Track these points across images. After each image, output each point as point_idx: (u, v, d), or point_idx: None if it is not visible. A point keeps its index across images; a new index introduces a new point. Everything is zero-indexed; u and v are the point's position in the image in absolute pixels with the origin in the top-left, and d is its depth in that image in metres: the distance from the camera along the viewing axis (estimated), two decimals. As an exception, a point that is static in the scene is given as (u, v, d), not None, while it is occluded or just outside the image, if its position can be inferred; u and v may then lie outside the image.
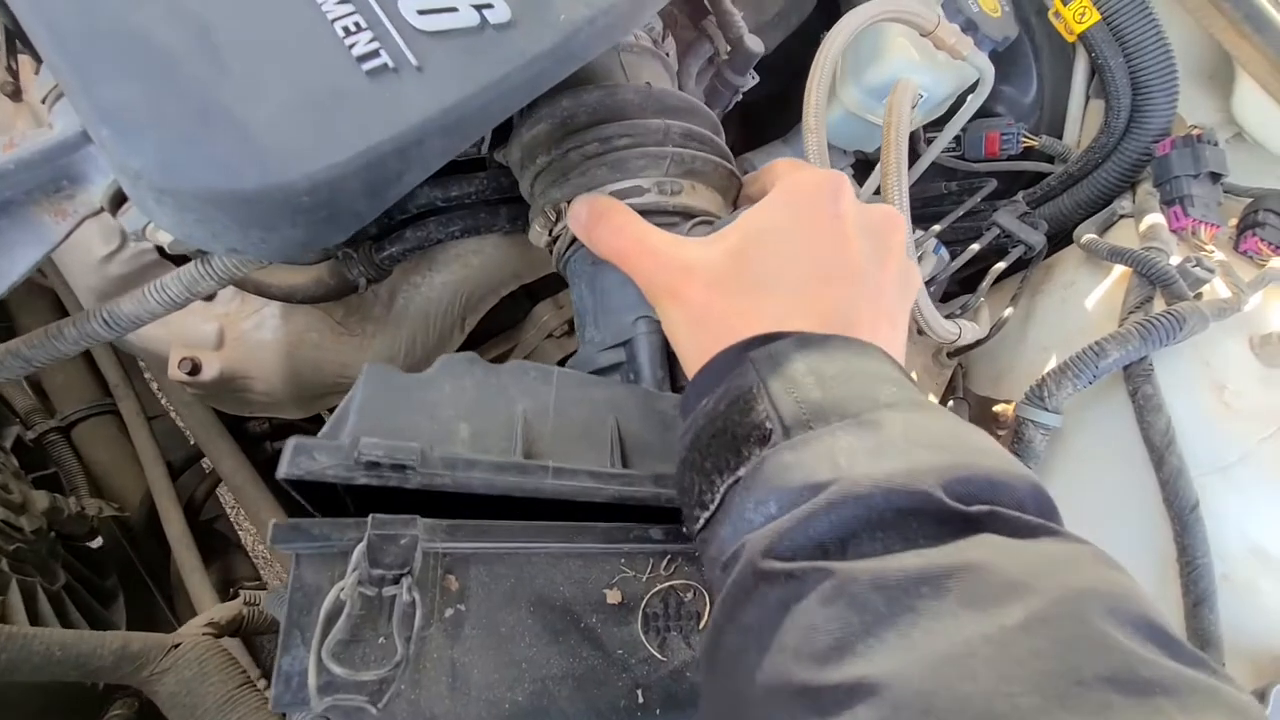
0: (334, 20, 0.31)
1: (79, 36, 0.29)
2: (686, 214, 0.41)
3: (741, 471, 0.24)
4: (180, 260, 0.60)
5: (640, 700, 0.27)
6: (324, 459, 0.24)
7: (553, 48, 0.34)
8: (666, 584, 0.29)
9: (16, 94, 0.58)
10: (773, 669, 0.20)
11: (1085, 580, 0.19)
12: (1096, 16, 0.55)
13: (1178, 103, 0.56)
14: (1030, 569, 0.19)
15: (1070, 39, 0.58)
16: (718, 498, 0.25)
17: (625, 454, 0.30)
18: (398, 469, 0.25)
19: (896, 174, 0.41)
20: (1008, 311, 0.57)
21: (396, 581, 0.25)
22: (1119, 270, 0.53)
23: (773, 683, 0.20)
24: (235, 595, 0.61)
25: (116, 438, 0.87)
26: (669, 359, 0.36)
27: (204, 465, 0.97)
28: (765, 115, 0.75)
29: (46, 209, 0.34)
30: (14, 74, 0.47)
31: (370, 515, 0.25)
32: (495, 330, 0.71)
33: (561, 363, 0.71)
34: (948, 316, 0.55)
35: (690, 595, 0.29)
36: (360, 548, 0.24)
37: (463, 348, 0.68)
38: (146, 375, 0.96)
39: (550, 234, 0.43)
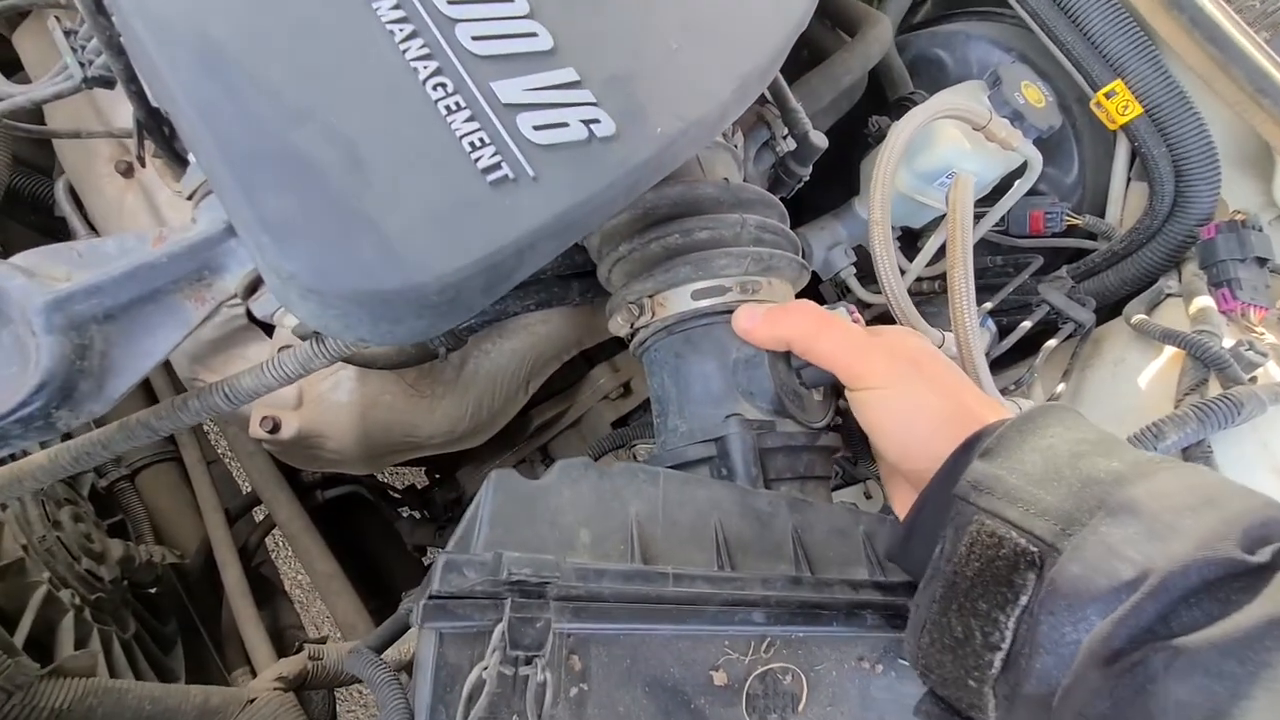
0: (462, 136, 0.34)
1: (244, 151, 0.32)
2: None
3: (1024, 600, 0.25)
4: (266, 325, 0.64)
5: (746, 783, 0.28)
6: (473, 575, 0.26)
7: (650, 158, 0.37)
8: (766, 666, 0.31)
9: (129, 172, 0.63)
10: None
11: None
12: (1139, 110, 0.58)
13: (1220, 190, 0.59)
14: None
15: (1112, 128, 0.61)
16: (1008, 634, 0.25)
17: (729, 554, 0.32)
18: (539, 583, 0.27)
19: (963, 269, 0.43)
20: (1060, 387, 0.58)
21: (530, 662, 0.26)
22: (1169, 351, 0.54)
23: None
24: (299, 648, 0.62)
25: (177, 485, 0.90)
26: (759, 458, 0.38)
27: (254, 515, 1.00)
28: (808, 187, 0.79)
29: (188, 295, 0.38)
30: (141, 159, 0.52)
31: (509, 599, 0.27)
32: (553, 391, 0.73)
33: (616, 424, 0.73)
34: (1003, 391, 0.56)
35: (788, 678, 0.31)
36: (500, 628, 0.26)
37: (521, 408, 0.70)
38: (208, 420, 1.00)
39: (632, 326, 0.45)
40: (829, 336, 0.37)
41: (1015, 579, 0.25)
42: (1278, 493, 0.49)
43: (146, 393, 0.87)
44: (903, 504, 0.37)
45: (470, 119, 0.35)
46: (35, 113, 0.70)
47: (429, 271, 0.32)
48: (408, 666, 0.52)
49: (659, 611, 0.30)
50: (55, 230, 0.92)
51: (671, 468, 0.40)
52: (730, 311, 0.41)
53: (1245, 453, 0.48)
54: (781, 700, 0.31)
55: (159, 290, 0.37)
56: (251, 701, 0.52)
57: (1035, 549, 0.25)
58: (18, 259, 0.37)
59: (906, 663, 0.32)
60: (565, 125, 0.36)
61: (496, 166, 0.34)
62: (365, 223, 0.32)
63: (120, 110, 0.63)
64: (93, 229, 0.73)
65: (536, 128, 0.36)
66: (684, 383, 0.42)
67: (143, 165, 0.54)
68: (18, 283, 0.35)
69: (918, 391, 0.33)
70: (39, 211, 0.89)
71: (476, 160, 0.34)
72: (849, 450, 0.42)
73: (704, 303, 0.42)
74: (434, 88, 0.35)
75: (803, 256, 0.65)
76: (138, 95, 0.45)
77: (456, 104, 0.35)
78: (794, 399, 0.40)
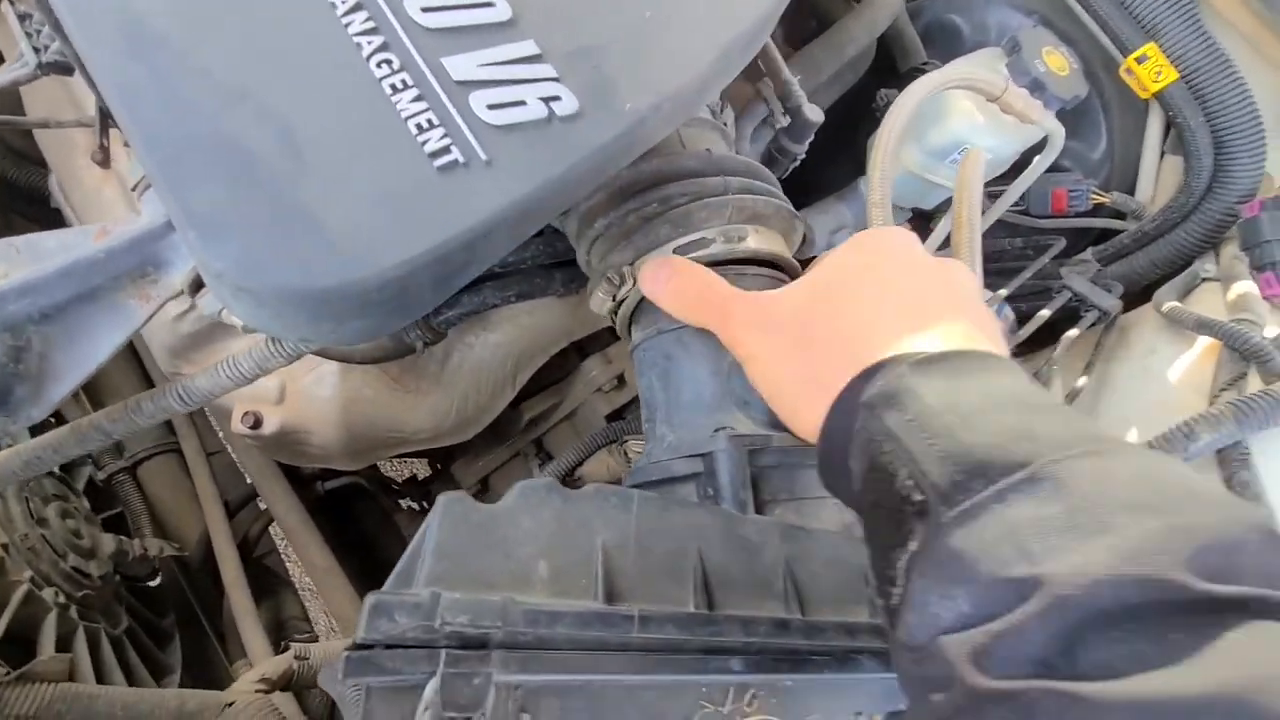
0: (408, 118, 0.32)
1: (171, 141, 0.30)
2: (754, 259, 0.40)
3: (913, 547, 0.21)
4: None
5: None
6: (404, 620, 0.24)
7: (619, 136, 0.34)
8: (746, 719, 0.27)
9: (105, 161, 0.61)
10: None
11: None
12: (1174, 75, 0.52)
13: (1265, 164, 0.53)
14: None
15: (1144, 96, 0.56)
16: (900, 575, 0.22)
17: (710, 590, 0.29)
18: (479, 634, 0.24)
19: (969, 254, 0.39)
20: (1081, 381, 0.54)
21: None
22: (1203, 341, 0.50)
23: None
24: (285, 647, 0.62)
25: (178, 476, 0.90)
26: (750, 478, 0.35)
27: (258, 504, 1.00)
28: (814, 167, 0.74)
29: (131, 293, 0.36)
30: (105, 150, 0.50)
31: (444, 650, 0.24)
32: (545, 384, 0.71)
33: (610, 417, 0.71)
34: (1017, 386, 0.52)
35: None
36: (433, 685, 0.24)
37: (513, 401, 0.68)
38: (207, 411, 1.00)
39: (614, 299, 0.42)
40: (711, 308, 0.33)
41: (903, 524, 0.22)
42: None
43: (142, 376, 0.86)
44: None
45: (418, 98, 0.32)
46: (16, 102, 0.69)
47: (370, 266, 0.30)
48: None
49: (623, 658, 0.27)
50: (54, 221, 0.91)
51: (656, 482, 0.37)
52: (716, 264, 0.38)
53: (1286, 455, 0.44)
54: (764, 758, 0.28)
55: (100, 288, 0.35)
56: (230, 705, 0.51)
57: (923, 496, 0.21)
58: (-44, 256, 0.35)
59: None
60: (523, 104, 0.33)
61: (446, 150, 0.31)
62: (300, 214, 0.30)
63: (93, 99, 0.61)
64: (86, 221, 0.72)
65: (491, 107, 0.33)
66: (674, 387, 0.39)
67: (105, 154, 0.53)
68: (-53, 282, 0.33)
69: (765, 363, 0.31)
70: (35, 203, 0.88)
71: (424, 143, 0.31)
72: None
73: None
74: (379, 65, 0.32)
75: (803, 241, 0.61)
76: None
77: (403, 82, 0.32)
78: None
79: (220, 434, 1.03)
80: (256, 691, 0.54)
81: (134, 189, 0.38)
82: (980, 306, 0.30)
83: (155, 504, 0.88)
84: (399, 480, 1.01)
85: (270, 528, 0.99)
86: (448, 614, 0.25)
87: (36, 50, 0.46)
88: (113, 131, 0.62)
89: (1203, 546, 0.17)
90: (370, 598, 0.25)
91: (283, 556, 1.09)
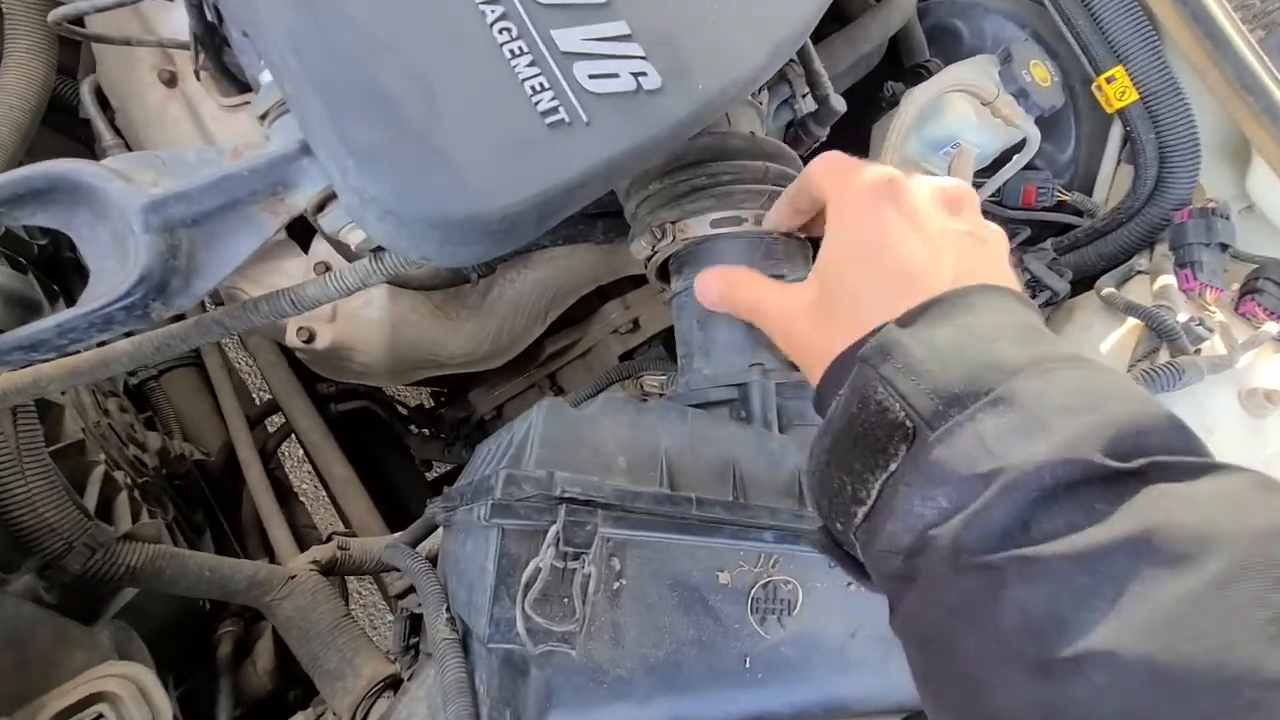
0: (524, 80, 0.38)
1: (331, 80, 0.36)
2: (774, 238, 0.48)
3: (894, 468, 0.25)
4: (300, 238, 0.68)
5: (747, 665, 0.36)
6: (529, 489, 0.32)
7: (691, 112, 0.41)
8: (770, 577, 0.37)
9: (172, 81, 0.65)
10: (997, 648, 0.22)
11: (1263, 518, 0.20)
12: (1135, 96, 0.62)
13: (1198, 178, 0.64)
14: (1209, 517, 0.20)
15: (1109, 111, 0.65)
16: (874, 494, 0.26)
17: (744, 487, 0.37)
18: (586, 500, 0.33)
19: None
20: (1031, 349, 0.65)
21: (578, 558, 0.32)
22: (1130, 322, 0.60)
23: (999, 660, 0.22)
24: (329, 539, 0.69)
25: (198, 389, 0.94)
26: (776, 406, 0.43)
27: (266, 426, 1.05)
28: (823, 146, 0.82)
29: (264, 208, 0.42)
30: (197, 73, 0.54)
31: (564, 504, 0.33)
32: (567, 322, 0.78)
33: (623, 357, 0.79)
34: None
35: (789, 586, 0.37)
36: (555, 529, 0.32)
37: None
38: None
39: (653, 249, 0.49)
40: (756, 315, 0.39)
41: (890, 448, 0.26)
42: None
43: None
44: None
45: (532, 64, 0.38)
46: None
47: (494, 202, 0.37)
48: (431, 560, 0.59)
49: (685, 526, 0.35)
50: (73, 130, 0.93)
51: (695, 406, 0.45)
52: (745, 237, 0.46)
53: (1182, 413, 0.55)
54: (779, 605, 0.37)
55: (238, 201, 0.41)
56: (293, 578, 0.59)
57: (912, 424, 0.25)
58: (110, 163, 0.40)
59: None
60: (616, 76, 0.40)
61: (554, 110, 0.38)
62: (440, 156, 0.36)
63: (164, 20, 0.64)
64: (118, 133, 0.75)
65: (591, 76, 0.39)
66: (711, 329, 0.47)
67: (198, 79, 0.56)
68: (116, 185, 0.38)
69: (792, 357, 0.36)
70: (58, 111, 0.89)
71: (536, 103, 0.38)
72: None
73: (722, 230, 0.46)
74: (500, 31, 0.38)
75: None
76: (196, 10, 0.47)
77: (520, 49, 0.38)
78: None
79: (234, 354, 1.08)
80: (310, 569, 0.62)
81: (262, 117, 0.43)
82: (966, 232, 0.33)
83: (176, 413, 0.93)
84: (408, 406, 1.07)
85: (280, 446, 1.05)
86: (565, 485, 0.33)
87: (147, -24, 0.50)
88: (177, 56, 0.66)
89: (1116, 434, 0.22)
90: (503, 472, 0.33)
91: (285, 471, 1.15)
